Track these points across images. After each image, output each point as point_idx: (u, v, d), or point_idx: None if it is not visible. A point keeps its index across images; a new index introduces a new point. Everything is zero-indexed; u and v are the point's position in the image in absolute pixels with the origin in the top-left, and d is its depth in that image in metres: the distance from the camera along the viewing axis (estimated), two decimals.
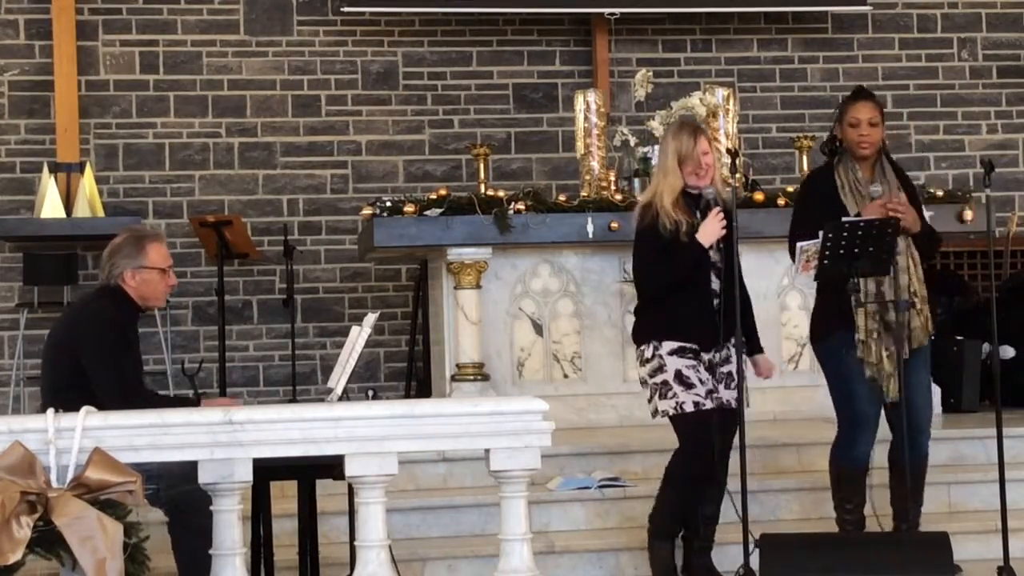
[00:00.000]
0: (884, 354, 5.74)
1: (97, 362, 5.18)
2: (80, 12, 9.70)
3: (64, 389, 5.15)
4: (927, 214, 6.16)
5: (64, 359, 5.27)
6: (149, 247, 5.37)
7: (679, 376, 5.65)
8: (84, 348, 5.21)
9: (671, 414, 5.68)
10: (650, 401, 5.76)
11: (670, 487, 5.75)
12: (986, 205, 5.78)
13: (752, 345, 5.89)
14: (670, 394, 5.66)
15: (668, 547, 5.78)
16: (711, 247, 5.69)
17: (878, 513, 5.92)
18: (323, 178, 9.97)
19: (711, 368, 5.71)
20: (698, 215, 5.74)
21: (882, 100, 6.48)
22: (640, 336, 5.82)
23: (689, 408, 5.64)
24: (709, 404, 5.66)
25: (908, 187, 6.00)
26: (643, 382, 5.80)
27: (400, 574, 4.82)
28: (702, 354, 5.70)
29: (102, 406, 4.37)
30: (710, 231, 5.67)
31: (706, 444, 5.66)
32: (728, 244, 5.69)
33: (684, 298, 5.68)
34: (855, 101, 5.93)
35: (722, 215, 5.69)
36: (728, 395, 5.72)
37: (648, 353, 5.73)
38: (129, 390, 5.18)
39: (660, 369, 5.69)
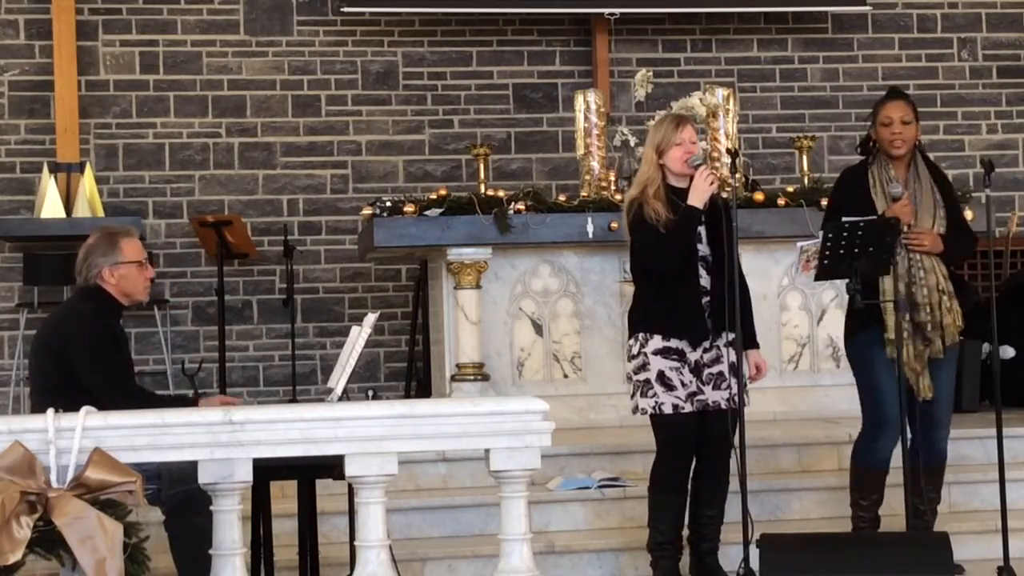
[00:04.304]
0: (914, 353, 5.75)
1: (88, 363, 5.18)
2: (80, 12, 9.70)
3: (53, 391, 5.14)
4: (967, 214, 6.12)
5: (52, 361, 5.26)
6: (123, 243, 5.38)
7: (661, 377, 5.63)
8: (74, 350, 5.21)
9: (650, 413, 5.67)
10: (632, 397, 5.75)
11: (657, 496, 5.74)
12: (986, 205, 5.77)
13: (746, 339, 5.71)
14: (650, 393, 5.64)
15: (673, 567, 5.75)
16: (704, 211, 5.61)
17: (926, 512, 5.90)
18: (323, 178, 9.97)
19: (697, 369, 5.65)
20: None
21: None
22: (631, 327, 5.80)
23: (667, 410, 5.62)
24: (689, 407, 5.62)
25: (944, 186, 5.99)
26: (628, 378, 5.79)
27: (400, 574, 4.82)
28: (688, 354, 5.65)
29: (96, 406, 4.37)
30: (699, 190, 5.60)
31: (682, 448, 5.66)
32: (720, 239, 5.61)
33: (672, 291, 5.63)
34: (888, 100, 5.96)
35: (707, 172, 5.62)
36: (716, 396, 5.64)
37: (635, 349, 5.71)
38: (122, 388, 5.19)
39: (644, 367, 5.66)
